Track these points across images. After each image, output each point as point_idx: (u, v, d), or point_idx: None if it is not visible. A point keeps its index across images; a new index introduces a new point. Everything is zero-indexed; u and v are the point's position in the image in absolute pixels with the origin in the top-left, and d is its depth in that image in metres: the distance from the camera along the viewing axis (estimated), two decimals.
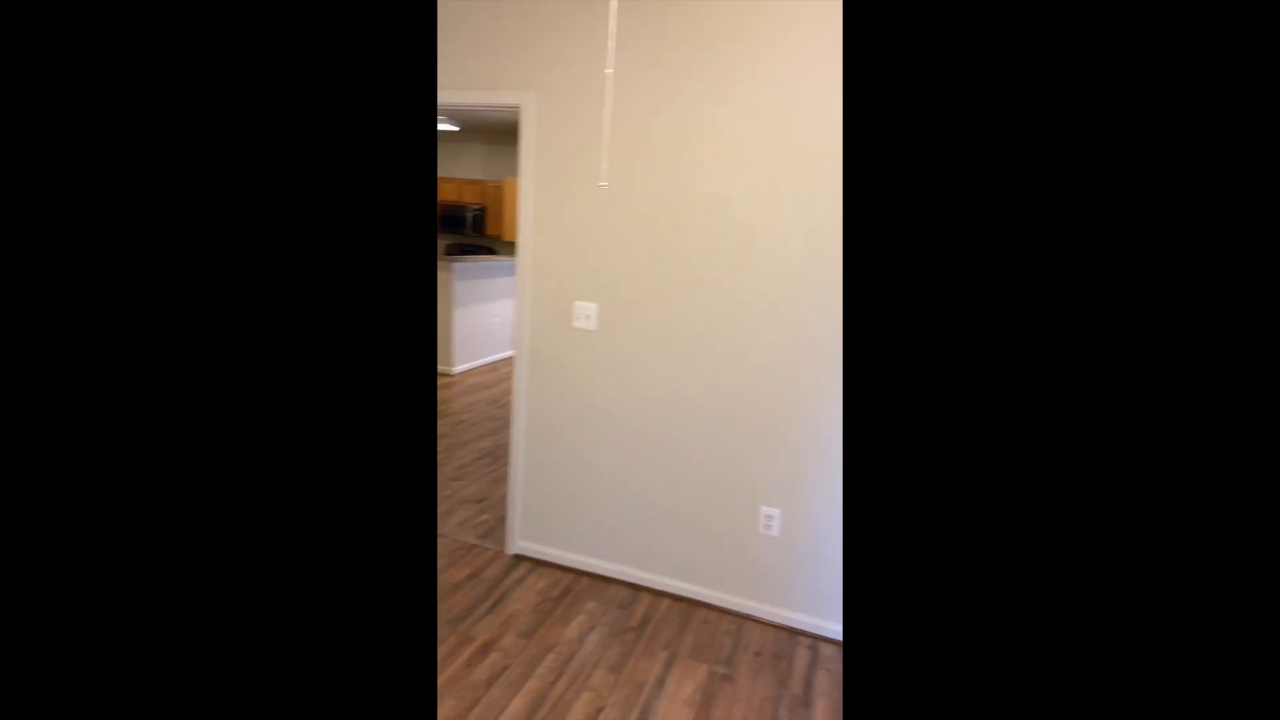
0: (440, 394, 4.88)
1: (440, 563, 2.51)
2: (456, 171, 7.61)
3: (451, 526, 2.80)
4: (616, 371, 2.35)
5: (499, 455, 3.68)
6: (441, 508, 3.00)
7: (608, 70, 1.28)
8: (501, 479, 3.34)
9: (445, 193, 7.43)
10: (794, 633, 2.25)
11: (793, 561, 2.25)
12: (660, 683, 1.94)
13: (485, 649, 2.03)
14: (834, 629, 2.23)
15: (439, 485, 3.24)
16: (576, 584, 2.43)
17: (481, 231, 7.39)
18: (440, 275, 5.29)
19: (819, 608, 2.24)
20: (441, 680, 1.88)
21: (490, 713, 1.77)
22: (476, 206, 7.30)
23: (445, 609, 2.22)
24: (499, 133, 7.16)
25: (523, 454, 2.55)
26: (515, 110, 2.30)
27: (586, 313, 2.34)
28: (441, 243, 7.80)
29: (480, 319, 5.75)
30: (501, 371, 5.72)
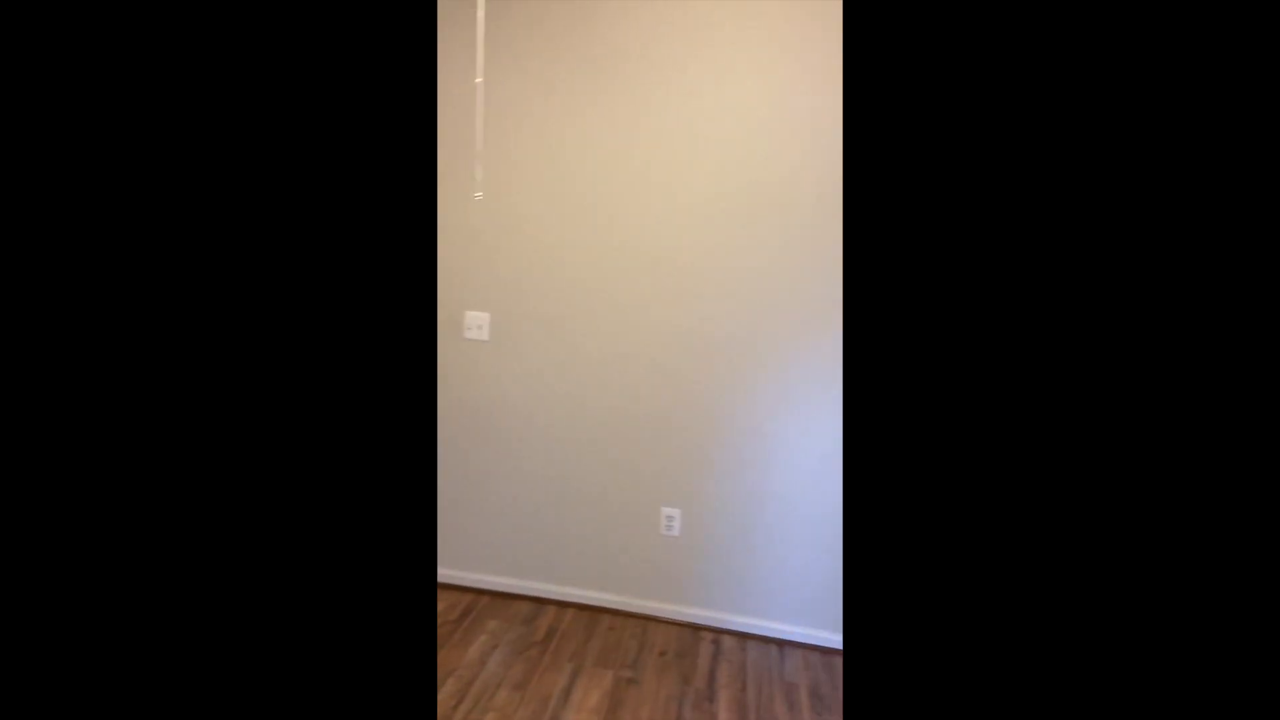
0: None
1: None
2: None
3: None
4: (512, 381, 2.32)
5: None
6: None
7: (478, 80, 1.26)
8: None
9: None
10: (697, 629, 2.31)
11: (694, 558, 2.30)
12: (566, 695, 1.93)
13: None
14: (735, 621, 2.30)
15: None
16: (477, 604, 2.37)
17: None
18: None
19: (720, 602, 2.31)
20: None
21: None
22: None
23: None
24: None
25: None
26: None
27: (478, 323, 2.29)
28: None
29: None
30: None
